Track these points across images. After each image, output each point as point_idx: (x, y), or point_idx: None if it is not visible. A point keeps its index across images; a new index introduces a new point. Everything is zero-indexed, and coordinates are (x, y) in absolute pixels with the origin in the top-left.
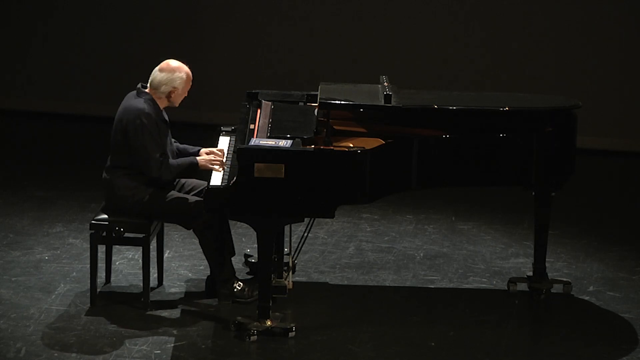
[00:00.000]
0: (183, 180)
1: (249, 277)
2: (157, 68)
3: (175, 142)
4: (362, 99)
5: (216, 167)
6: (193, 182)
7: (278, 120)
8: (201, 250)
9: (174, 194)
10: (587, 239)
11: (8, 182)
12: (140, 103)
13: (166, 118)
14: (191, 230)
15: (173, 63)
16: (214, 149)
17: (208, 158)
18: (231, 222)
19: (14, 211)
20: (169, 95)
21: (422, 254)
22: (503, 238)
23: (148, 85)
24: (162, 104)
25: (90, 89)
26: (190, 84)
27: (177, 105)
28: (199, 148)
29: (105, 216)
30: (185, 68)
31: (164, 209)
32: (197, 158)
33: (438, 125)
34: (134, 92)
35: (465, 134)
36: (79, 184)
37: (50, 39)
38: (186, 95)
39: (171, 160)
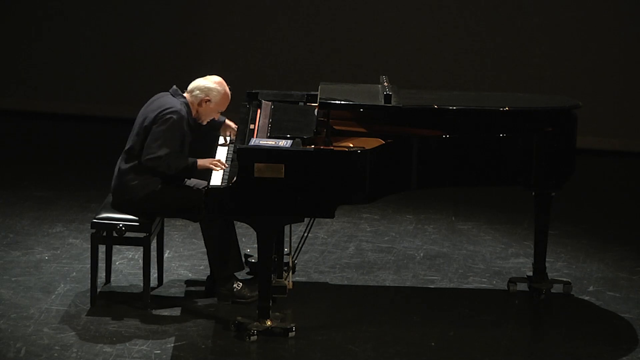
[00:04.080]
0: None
1: (249, 277)
2: (201, 77)
3: None
4: (362, 99)
5: (214, 167)
6: (193, 181)
7: (278, 120)
8: (202, 249)
9: (183, 186)
10: (587, 239)
11: (8, 182)
12: (178, 103)
13: (193, 125)
14: (192, 229)
15: (217, 78)
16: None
17: (209, 161)
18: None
19: (14, 211)
20: (200, 104)
21: (422, 254)
22: (503, 238)
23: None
24: (193, 111)
25: (90, 89)
26: (225, 106)
27: (204, 122)
28: (224, 118)
29: (107, 215)
30: (227, 89)
31: (173, 200)
32: (198, 160)
33: (438, 125)
34: (167, 92)
35: (465, 134)
36: (79, 184)
37: (51, 40)
38: (216, 118)
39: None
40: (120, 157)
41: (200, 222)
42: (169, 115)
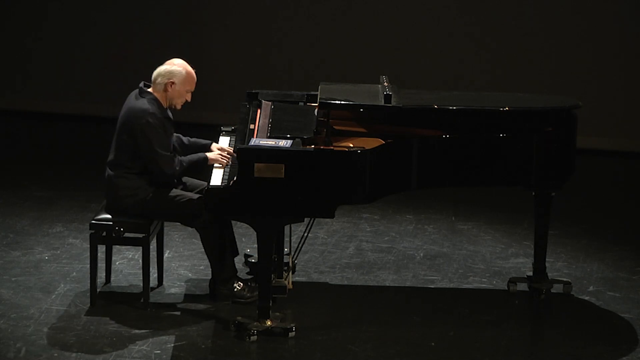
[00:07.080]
0: (184, 180)
1: (249, 277)
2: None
3: (184, 136)
4: (362, 99)
5: (224, 161)
6: (194, 182)
7: (278, 120)
8: (201, 249)
9: (175, 192)
10: (587, 239)
11: (8, 182)
12: (144, 103)
13: (170, 115)
14: (192, 230)
15: (177, 60)
16: (224, 147)
17: (218, 153)
18: (231, 222)
19: (14, 211)
20: (165, 89)
21: (422, 254)
22: (503, 238)
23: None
24: (164, 101)
25: (90, 89)
26: (192, 86)
27: (178, 106)
28: (210, 142)
29: (105, 216)
30: (188, 67)
31: (165, 208)
32: (207, 154)
33: (438, 125)
34: (136, 91)
35: (465, 134)
36: (79, 184)
37: (50, 39)
38: (188, 99)
39: (182, 157)
40: (107, 164)
41: (195, 227)
42: (144, 121)
